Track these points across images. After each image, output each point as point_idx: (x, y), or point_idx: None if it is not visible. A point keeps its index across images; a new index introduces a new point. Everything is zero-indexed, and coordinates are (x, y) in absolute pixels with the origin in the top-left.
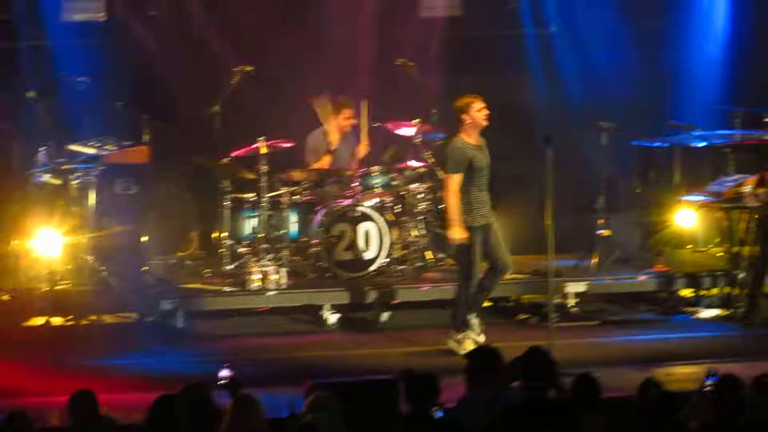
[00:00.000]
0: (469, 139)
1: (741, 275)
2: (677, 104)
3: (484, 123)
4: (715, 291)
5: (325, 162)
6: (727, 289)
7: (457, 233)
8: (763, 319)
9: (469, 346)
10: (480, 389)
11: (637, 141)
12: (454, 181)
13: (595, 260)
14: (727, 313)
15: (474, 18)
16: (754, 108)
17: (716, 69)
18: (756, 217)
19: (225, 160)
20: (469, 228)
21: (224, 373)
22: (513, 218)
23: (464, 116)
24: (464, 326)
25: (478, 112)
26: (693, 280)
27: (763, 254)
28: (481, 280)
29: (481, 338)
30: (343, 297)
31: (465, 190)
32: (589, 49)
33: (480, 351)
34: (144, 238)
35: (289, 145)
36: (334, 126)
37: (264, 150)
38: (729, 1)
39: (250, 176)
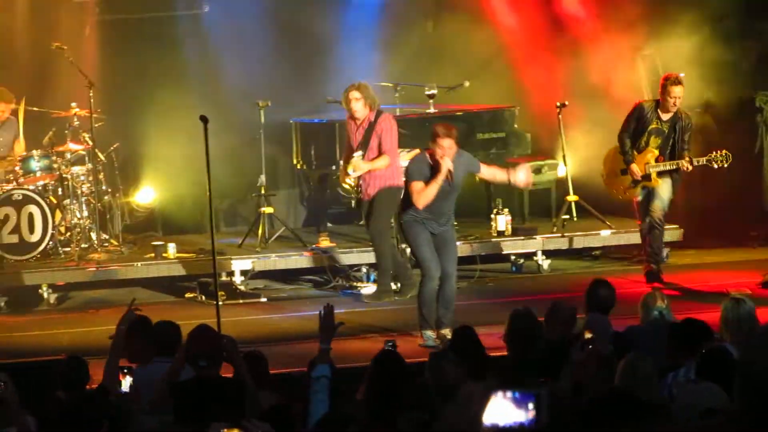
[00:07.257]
0: None
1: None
2: (334, 80)
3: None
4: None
5: None
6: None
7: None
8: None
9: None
10: (162, 361)
11: (296, 118)
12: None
13: (259, 238)
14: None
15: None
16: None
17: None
18: None
19: None
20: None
21: None
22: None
23: None
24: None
25: None
26: (357, 256)
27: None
28: None
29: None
30: (10, 280)
31: None
32: (243, 28)
33: (162, 324)
34: None
35: None
36: None
37: None
38: None
39: None
